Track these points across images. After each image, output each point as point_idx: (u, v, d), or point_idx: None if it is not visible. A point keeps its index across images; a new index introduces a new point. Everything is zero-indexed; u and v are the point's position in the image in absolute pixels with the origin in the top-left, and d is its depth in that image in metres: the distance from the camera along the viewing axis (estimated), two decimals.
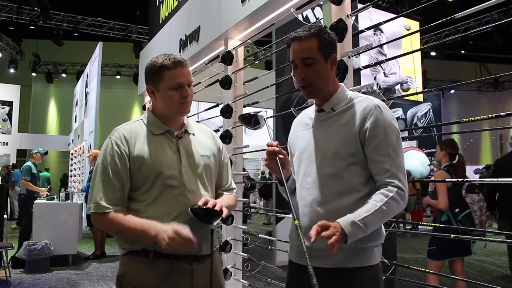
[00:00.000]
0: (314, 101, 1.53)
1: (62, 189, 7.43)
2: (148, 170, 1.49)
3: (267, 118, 1.69)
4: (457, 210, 3.36)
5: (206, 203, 1.45)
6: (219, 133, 3.10)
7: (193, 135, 1.64)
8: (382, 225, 1.46)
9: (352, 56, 2.06)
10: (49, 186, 8.63)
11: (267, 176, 12.57)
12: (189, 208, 1.46)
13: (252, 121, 1.71)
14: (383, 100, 1.91)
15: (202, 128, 1.74)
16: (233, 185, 1.75)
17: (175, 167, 1.52)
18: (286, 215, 3.56)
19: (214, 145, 1.69)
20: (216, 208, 1.44)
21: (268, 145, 1.48)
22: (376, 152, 1.35)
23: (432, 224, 2.52)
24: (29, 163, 6.67)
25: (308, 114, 1.57)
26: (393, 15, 3.59)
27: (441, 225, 3.18)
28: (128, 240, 1.51)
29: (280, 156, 1.47)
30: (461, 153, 3.65)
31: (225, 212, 1.47)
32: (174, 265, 1.47)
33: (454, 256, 3.43)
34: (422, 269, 2.59)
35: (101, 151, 1.53)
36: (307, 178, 1.46)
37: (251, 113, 1.70)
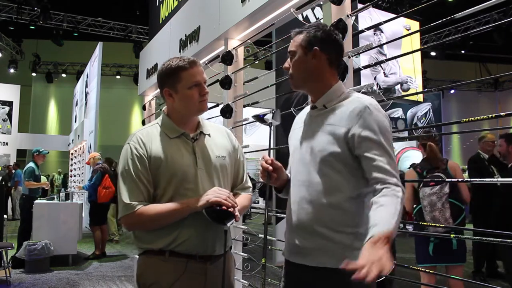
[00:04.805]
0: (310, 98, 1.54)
1: (62, 189, 7.42)
2: (165, 172, 1.52)
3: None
4: (414, 205, 3.19)
5: (220, 204, 1.46)
6: None
7: (208, 135, 1.66)
8: None
9: (352, 56, 2.06)
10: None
11: None
12: (203, 209, 1.48)
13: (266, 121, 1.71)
14: (383, 100, 1.91)
15: (218, 127, 1.76)
16: (249, 183, 1.77)
17: (191, 169, 1.55)
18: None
19: (230, 144, 1.71)
20: (230, 209, 1.47)
21: (264, 160, 1.50)
22: (370, 152, 1.33)
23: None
24: (32, 164, 6.40)
25: (306, 112, 1.58)
26: (393, 15, 3.59)
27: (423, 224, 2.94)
28: (167, 223, 1.50)
29: (274, 175, 1.50)
30: (430, 143, 3.24)
31: (238, 213, 1.51)
32: (189, 264, 1.51)
33: (435, 262, 3.16)
34: (422, 269, 2.60)
35: (122, 157, 1.56)
36: (297, 175, 1.48)
37: (260, 115, 1.67)
